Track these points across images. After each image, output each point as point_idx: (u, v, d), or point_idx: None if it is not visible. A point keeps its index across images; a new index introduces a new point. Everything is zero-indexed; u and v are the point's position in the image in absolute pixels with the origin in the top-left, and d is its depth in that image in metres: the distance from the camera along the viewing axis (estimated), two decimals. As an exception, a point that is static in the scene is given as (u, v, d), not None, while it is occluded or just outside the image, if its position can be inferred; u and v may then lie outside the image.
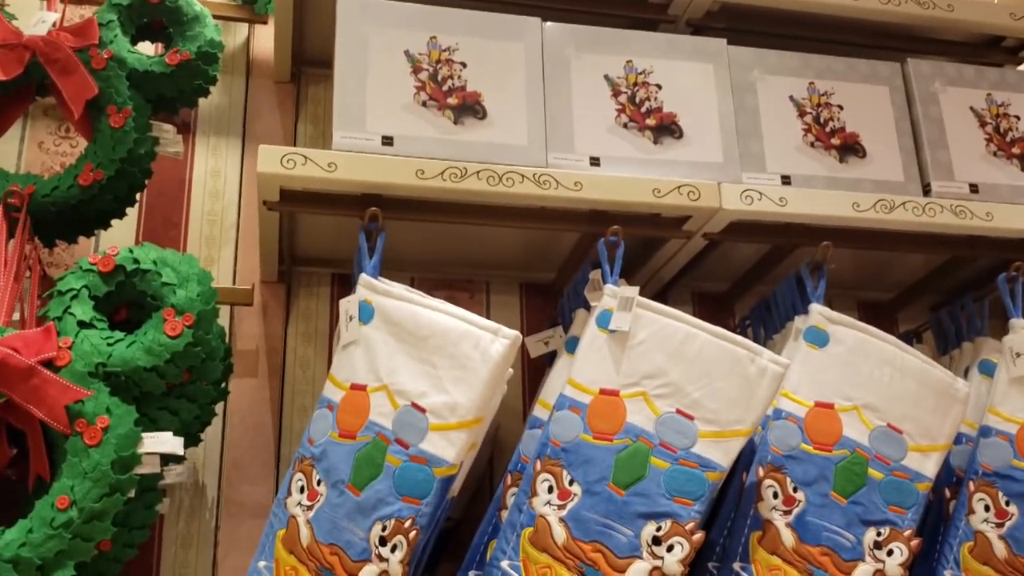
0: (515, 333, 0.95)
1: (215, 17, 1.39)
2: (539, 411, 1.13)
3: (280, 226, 1.17)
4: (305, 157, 1.04)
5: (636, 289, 1.08)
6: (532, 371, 1.37)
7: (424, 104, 1.12)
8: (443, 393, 0.94)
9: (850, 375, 1.13)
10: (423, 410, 0.94)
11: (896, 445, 1.11)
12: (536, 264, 1.39)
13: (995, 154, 1.30)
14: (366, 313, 1.01)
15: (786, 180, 1.22)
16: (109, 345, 0.94)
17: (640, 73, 1.22)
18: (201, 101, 1.41)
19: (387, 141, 1.08)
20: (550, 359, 1.25)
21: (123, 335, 0.96)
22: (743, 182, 1.20)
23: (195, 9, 1.25)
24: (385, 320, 1.00)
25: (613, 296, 1.08)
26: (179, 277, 0.98)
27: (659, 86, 1.22)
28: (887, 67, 1.32)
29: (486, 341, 0.95)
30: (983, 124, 1.32)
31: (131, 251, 1.01)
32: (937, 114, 1.30)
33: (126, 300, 1.00)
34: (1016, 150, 1.31)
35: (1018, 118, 1.33)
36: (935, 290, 1.49)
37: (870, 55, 1.34)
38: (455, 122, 1.12)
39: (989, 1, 1.43)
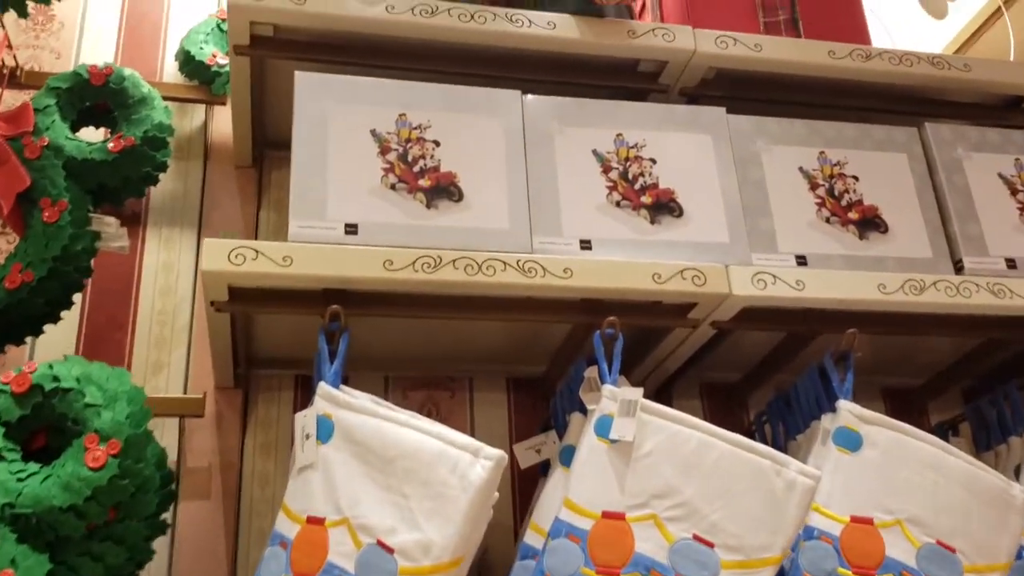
0: (499, 453, 0.82)
1: (168, 99, 1.30)
2: (532, 537, 0.98)
3: (234, 326, 1.05)
4: (256, 251, 0.92)
5: (639, 391, 0.95)
6: (524, 481, 1.23)
7: (393, 187, 1.00)
8: (415, 529, 0.80)
9: (888, 483, 0.99)
10: (391, 550, 0.80)
11: (949, 566, 0.97)
12: (524, 356, 1.27)
13: (1030, 224, 1.19)
14: (325, 430, 0.88)
15: (801, 260, 1.11)
16: (19, 481, 0.80)
17: (632, 147, 1.12)
18: (154, 189, 1.31)
19: (351, 229, 0.97)
20: (543, 467, 1.11)
21: (38, 468, 0.83)
22: (753, 264, 1.08)
23: (142, 91, 1.15)
24: (347, 438, 0.87)
25: (613, 399, 0.96)
26: (105, 396, 0.85)
27: (653, 160, 1.12)
28: (903, 132, 1.22)
29: (465, 463, 0.81)
30: (1014, 192, 1.21)
31: (51, 367, 0.88)
32: (963, 182, 1.19)
33: (44, 424, 0.87)
34: (1052, 220, 1.20)
35: (1051, 184, 1.23)
36: (969, 375, 1.37)
37: (882, 121, 1.25)
38: (428, 206, 1.00)
39: (1006, 60, 1.34)
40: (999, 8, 1.49)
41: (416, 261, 0.96)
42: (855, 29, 1.33)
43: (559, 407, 1.12)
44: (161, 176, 1.22)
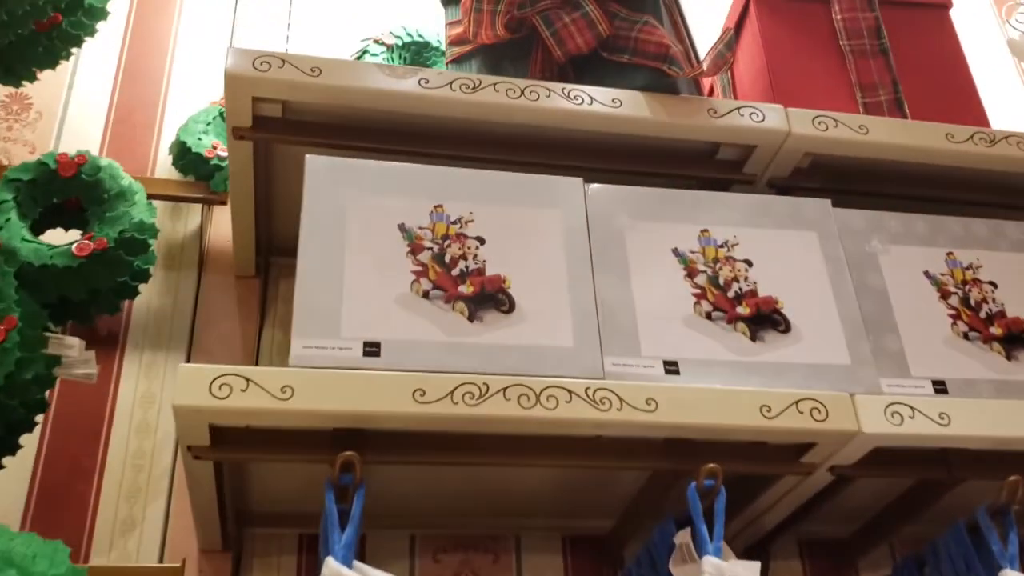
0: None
1: (158, 197, 1.13)
2: None
3: (221, 475, 0.83)
4: (247, 380, 0.72)
5: (756, 566, 0.72)
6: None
7: (426, 295, 0.81)
8: None
9: None
10: None
11: None
12: (586, 508, 1.04)
13: None
14: (337, 625, 0.65)
15: (940, 387, 0.89)
16: None
17: (721, 246, 0.92)
18: (136, 304, 1.12)
19: (372, 350, 0.76)
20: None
21: None
22: (884, 391, 0.86)
23: (121, 183, 0.97)
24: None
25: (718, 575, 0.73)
26: (30, 582, 0.62)
27: (748, 262, 0.92)
28: (1047, 229, 1.02)
29: None
30: None
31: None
32: None
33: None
34: None
35: None
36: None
37: (1009, 217, 1.05)
38: (471, 318, 0.80)
39: None
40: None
41: (456, 390, 0.75)
42: (970, 111, 1.15)
43: (635, 579, 0.88)
44: (143, 288, 1.04)
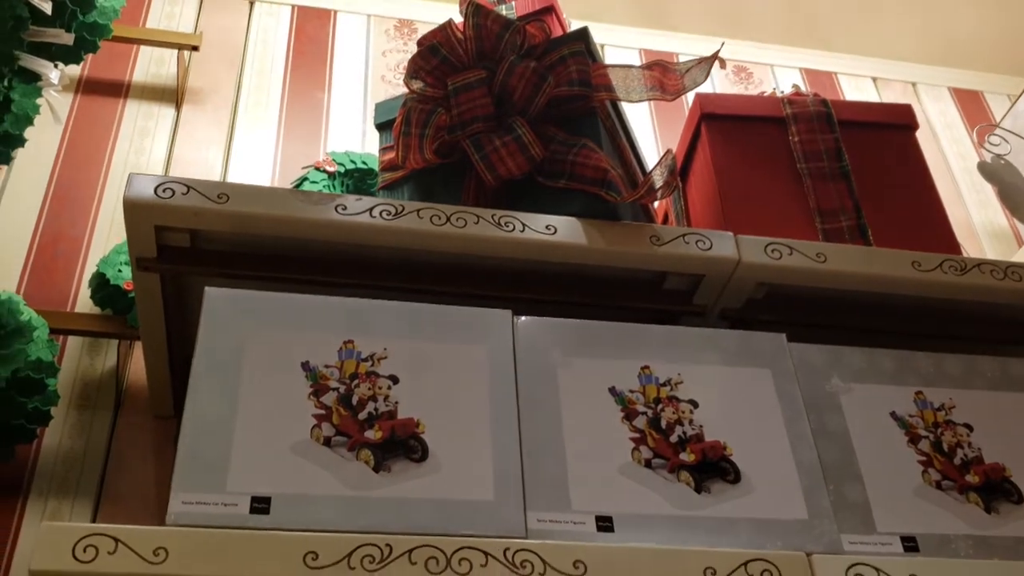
0: None
1: (72, 331, 1.08)
2: None
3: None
4: (116, 540, 0.66)
5: None
6: None
7: (328, 442, 0.75)
8: None
9: None
10: None
11: None
12: None
13: None
14: None
15: (910, 544, 0.83)
16: None
17: (664, 384, 0.88)
18: (44, 448, 1.07)
19: (260, 506, 0.70)
20: None
21: None
22: (846, 550, 0.80)
23: (18, 319, 0.94)
24: None
25: None
26: None
27: (694, 403, 0.87)
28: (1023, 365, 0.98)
29: None
30: None
31: None
32: (1116, 431, 0.93)
33: None
34: None
35: None
36: None
37: (984, 352, 1.01)
38: (377, 468, 0.75)
39: None
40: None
41: (354, 552, 0.69)
42: (939, 237, 1.12)
43: None
44: (51, 430, 0.99)
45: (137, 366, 1.17)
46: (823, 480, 0.85)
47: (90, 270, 1.23)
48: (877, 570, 0.78)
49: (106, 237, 1.28)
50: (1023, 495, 0.88)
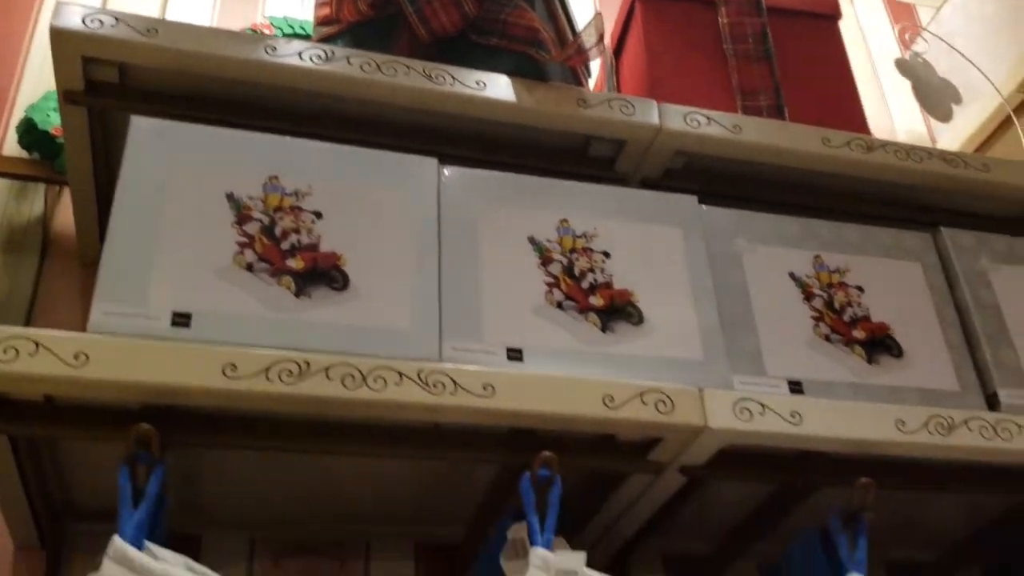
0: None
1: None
2: None
3: (19, 457, 0.79)
4: (36, 343, 0.68)
5: (581, 557, 0.71)
6: None
7: (250, 268, 0.78)
8: None
9: None
10: None
11: None
12: (438, 515, 1.01)
13: (1075, 354, 0.99)
14: (109, 608, 0.61)
15: (795, 387, 0.90)
16: None
17: (580, 236, 0.91)
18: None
19: (181, 320, 0.73)
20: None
21: None
22: (736, 388, 0.86)
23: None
24: (136, 621, 0.60)
25: (544, 568, 0.71)
26: None
27: (607, 254, 0.91)
28: (916, 238, 1.04)
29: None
30: (1053, 313, 1.02)
31: None
32: (991, 300, 1.00)
33: None
34: (1100, 349, 1.01)
35: (1095, 307, 1.04)
36: (993, 548, 1.13)
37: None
38: (297, 294, 0.78)
39: (1027, 163, 1.18)
40: (1008, 116, 1.35)
41: (272, 367, 0.72)
42: (851, 122, 1.17)
43: (476, 581, 0.86)
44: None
45: (65, 214, 1.17)
46: (719, 328, 0.90)
47: (17, 117, 1.22)
48: (762, 405, 0.84)
49: (35, 85, 1.26)
50: (902, 350, 0.95)
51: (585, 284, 0.89)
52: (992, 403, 0.95)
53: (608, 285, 0.89)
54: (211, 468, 0.89)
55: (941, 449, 0.88)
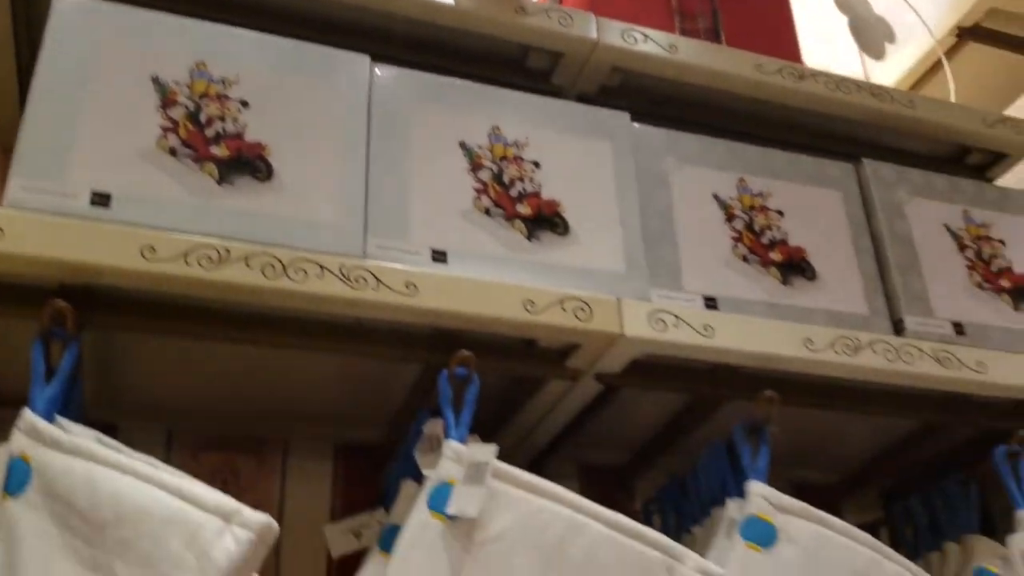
0: (263, 520, 0.58)
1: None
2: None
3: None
4: (-51, 214, 0.67)
5: (492, 449, 0.73)
6: (343, 577, 0.98)
7: (173, 152, 0.77)
8: (121, 630, 0.54)
9: (812, 594, 0.79)
10: (82, 662, 0.54)
11: None
12: (359, 417, 1.03)
13: (980, 286, 1.04)
14: (17, 477, 0.62)
15: (711, 303, 0.92)
16: None
17: (511, 144, 0.92)
18: None
19: (100, 200, 0.72)
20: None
21: None
22: (653, 301, 0.88)
23: None
24: (48, 491, 0.61)
25: (456, 459, 0.73)
26: None
27: (537, 164, 0.92)
28: (839, 168, 1.06)
29: (210, 533, 0.56)
30: (962, 247, 1.06)
31: None
32: (905, 230, 1.04)
33: None
34: (1005, 282, 1.05)
35: (1003, 243, 1.08)
36: (894, 470, 1.19)
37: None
38: (220, 181, 0.77)
39: (955, 104, 1.21)
40: (939, 60, 1.38)
41: (191, 252, 0.72)
42: (787, 52, 1.19)
43: (393, 476, 0.88)
44: None
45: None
46: (641, 243, 0.92)
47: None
48: (676, 317, 0.86)
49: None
50: (816, 274, 0.98)
51: (514, 192, 0.89)
52: (898, 328, 0.98)
53: (536, 195, 0.90)
54: (129, 357, 0.89)
55: (846, 368, 0.92)
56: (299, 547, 1.00)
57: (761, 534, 0.82)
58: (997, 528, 1.00)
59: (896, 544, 1.05)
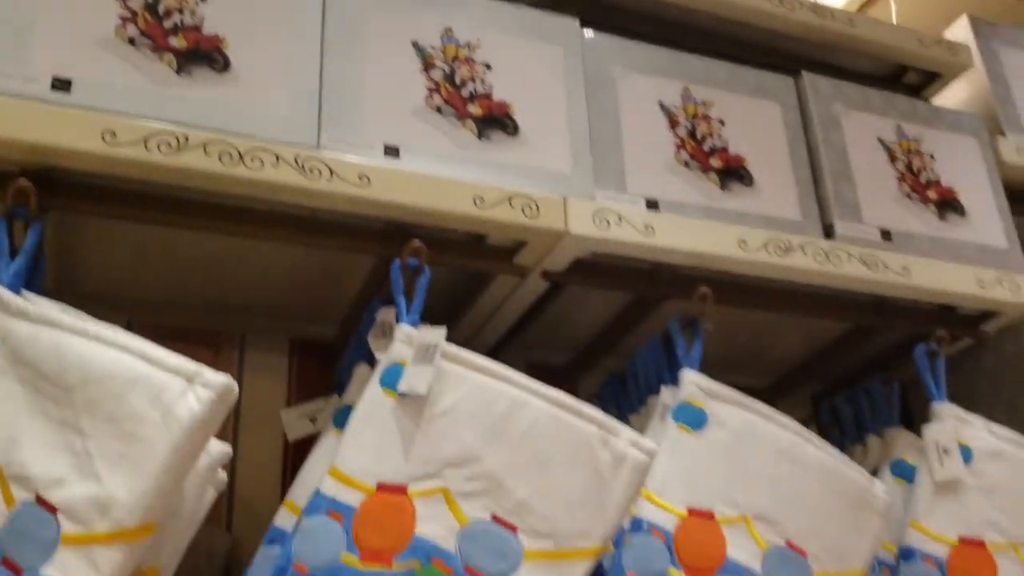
0: (223, 381, 0.61)
1: None
2: (284, 517, 0.78)
3: None
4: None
5: (441, 332, 0.77)
6: (299, 459, 1.02)
7: (132, 42, 0.78)
8: (90, 479, 0.58)
9: (736, 471, 0.85)
10: (53, 509, 0.58)
11: (798, 572, 0.83)
12: (315, 312, 1.06)
13: (909, 196, 1.09)
14: (-14, 346, 0.65)
15: (652, 204, 0.96)
16: None
17: (464, 46, 0.94)
18: None
19: (61, 85, 0.74)
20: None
21: None
22: (597, 200, 0.92)
23: None
24: (15, 358, 0.64)
25: (407, 342, 0.77)
26: None
27: (488, 66, 0.94)
28: (778, 80, 1.10)
29: (173, 392, 0.60)
30: (893, 159, 1.11)
31: None
32: (839, 142, 1.08)
33: None
34: (932, 194, 1.11)
35: (932, 157, 1.13)
36: (819, 376, 1.26)
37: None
38: (179, 71, 0.79)
39: (893, 24, 1.25)
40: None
41: (151, 137, 0.74)
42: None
43: (346, 364, 0.92)
44: None
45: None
46: (588, 146, 0.95)
47: None
48: (619, 216, 0.90)
49: None
50: (753, 180, 1.03)
51: (465, 92, 0.92)
52: (828, 233, 1.04)
53: (488, 96, 0.93)
54: (89, 246, 0.91)
55: (777, 269, 0.97)
56: (256, 437, 1.05)
57: (692, 417, 0.87)
58: (917, 428, 1.07)
59: (829, 440, 1.13)
